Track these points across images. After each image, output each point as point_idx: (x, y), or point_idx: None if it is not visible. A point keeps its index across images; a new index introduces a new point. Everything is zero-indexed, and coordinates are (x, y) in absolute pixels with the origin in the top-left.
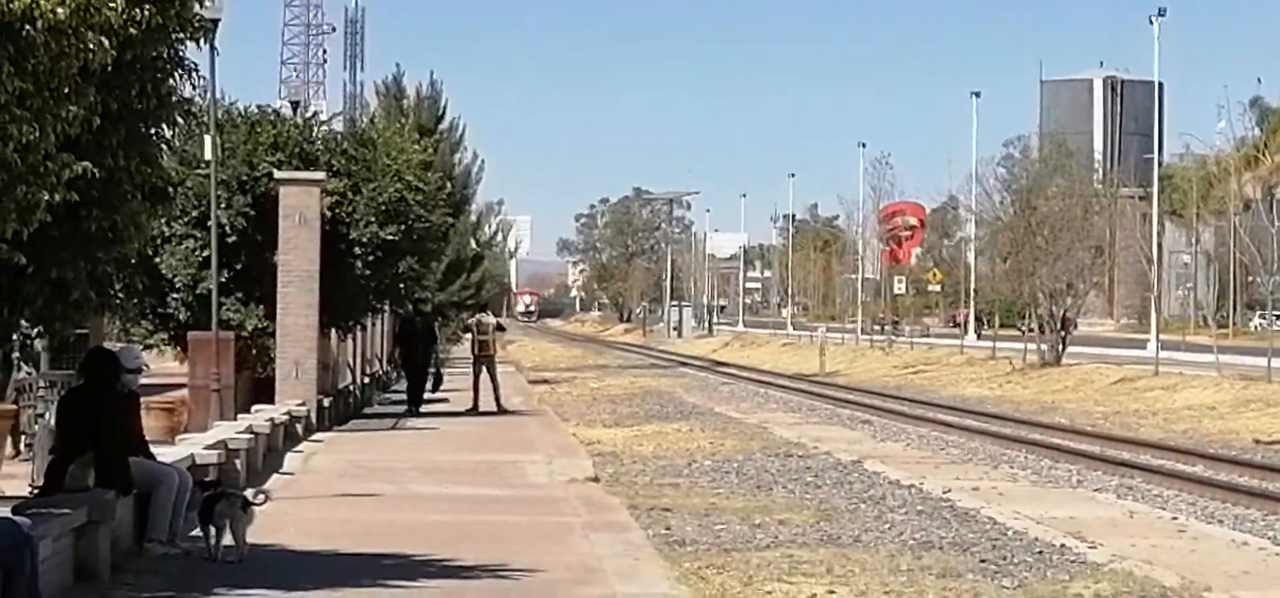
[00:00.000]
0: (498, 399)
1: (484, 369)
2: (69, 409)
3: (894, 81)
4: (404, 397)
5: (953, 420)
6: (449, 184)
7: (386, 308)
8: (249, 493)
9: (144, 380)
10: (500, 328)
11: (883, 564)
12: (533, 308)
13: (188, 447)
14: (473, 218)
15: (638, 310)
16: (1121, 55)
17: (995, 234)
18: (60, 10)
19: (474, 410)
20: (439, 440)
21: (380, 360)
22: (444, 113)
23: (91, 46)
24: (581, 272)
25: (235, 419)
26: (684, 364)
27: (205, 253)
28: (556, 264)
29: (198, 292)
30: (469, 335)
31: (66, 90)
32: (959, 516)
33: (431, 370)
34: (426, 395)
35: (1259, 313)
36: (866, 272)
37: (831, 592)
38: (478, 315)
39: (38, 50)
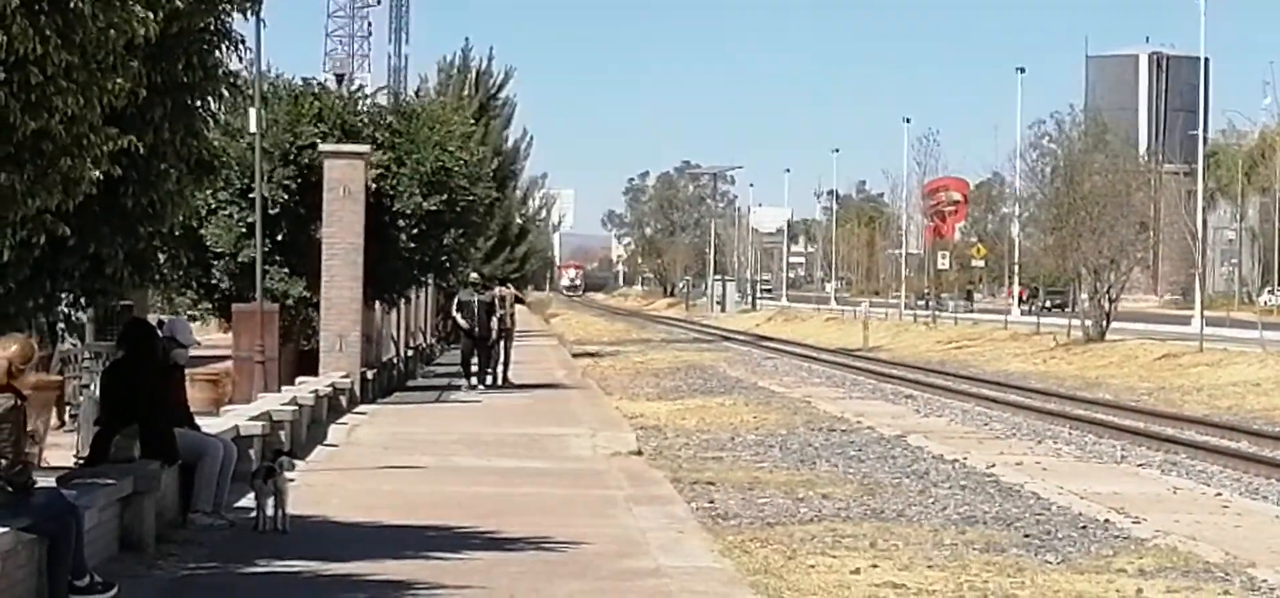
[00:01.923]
0: (504, 373)
1: (499, 342)
2: (111, 381)
3: (939, 56)
4: (448, 369)
5: (996, 396)
6: (498, 159)
7: (431, 281)
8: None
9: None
10: (518, 300)
11: (926, 539)
12: (578, 282)
13: (232, 418)
14: (519, 194)
15: (681, 285)
16: (1167, 31)
17: (1038, 209)
18: None
19: (494, 384)
20: (482, 413)
21: (424, 333)
22: (499, 89)
23: (138, 18)
24: (625, 246)
25: (279, 391)
26: (727, 339)
27: (247, 223)
28: (600, 238)
29: (240, 260)
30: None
31: (112, 63)
32: (1003, 491)
33: (491, 344)
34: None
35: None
36: (910, 247)
37: (875, 566)
38: (496, 289)
39: (85, 22)
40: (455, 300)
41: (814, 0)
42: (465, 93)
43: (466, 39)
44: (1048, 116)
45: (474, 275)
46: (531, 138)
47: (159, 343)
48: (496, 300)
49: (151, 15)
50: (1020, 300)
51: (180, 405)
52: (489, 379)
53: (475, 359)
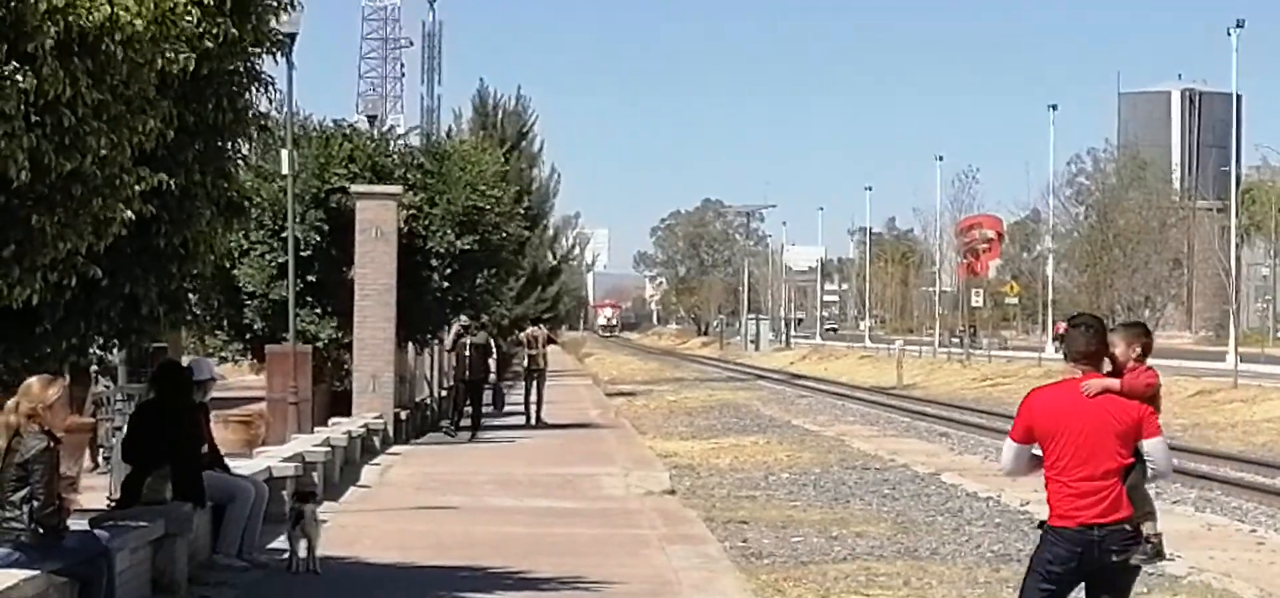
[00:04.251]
0: (538, 413)
1: (533, 382)
2: (139, 422)
3: (971, 94)
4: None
5: None
6: (527, 198)
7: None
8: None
9: (219, 392)
10: (551, 341)
11: (960, 577)
12: (614, 321)
13: (265, 459)
14: (550, 232)
15: (715, 324)
16: (1199, 67)
17: (1072, 247)
18: (138, 22)
19: (528, 424)
20: (515, 453)
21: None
22: (530, 129)
23: (169, 57)
24: (658, 285)
25: (313, 432)
26: (761, 377)
27: (279, 263)
28: (634, 277)
29: (272, 300)
30: (520, 349)
31: (143, 103)
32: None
33: (487, 388)
34: (484, 418)
35: None
36: (944, 284)
37: None
38: (529, 329)
39: (116, 63)
40: (450, 339)
41: (844, 39)
42: (485, 131)
43: (481, 79)
44: (1084, 152)
45: (463, 316)
46: (559, 176)
47: (192, 385)
48: (528, 340)
49: (182, 54)
50: (1056, 337)
51: (210, 448)
52: (476, 429)
53: (474, 404)
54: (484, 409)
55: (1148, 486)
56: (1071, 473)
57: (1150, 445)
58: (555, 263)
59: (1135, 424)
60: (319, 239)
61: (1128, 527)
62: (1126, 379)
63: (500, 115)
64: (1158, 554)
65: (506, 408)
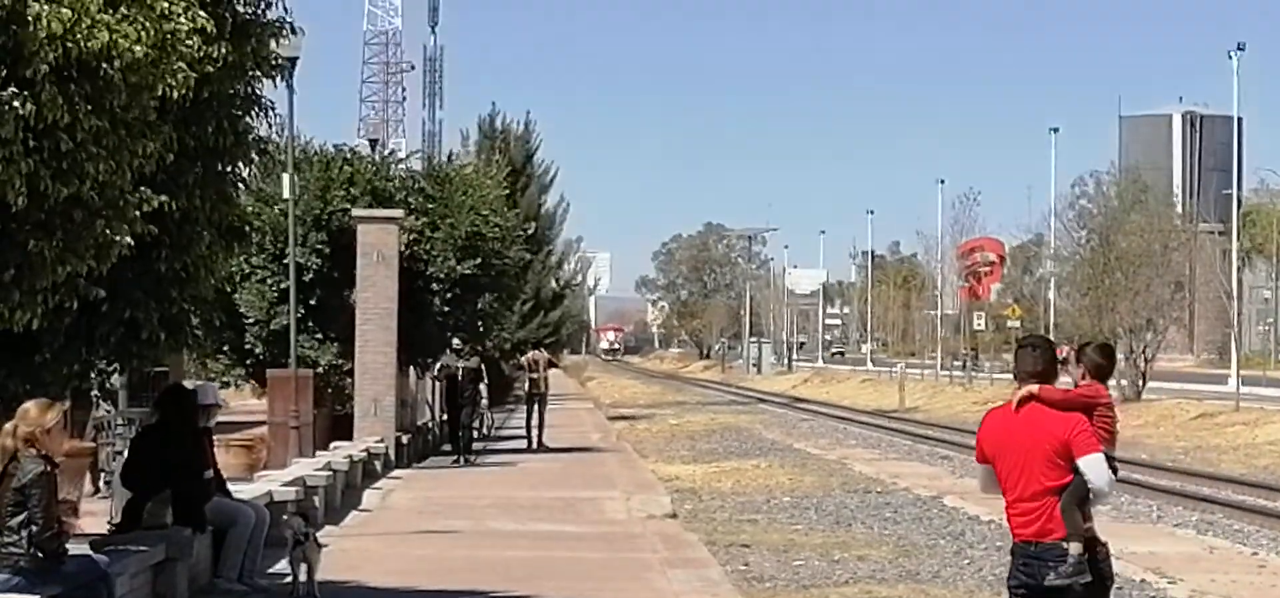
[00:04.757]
0: (540, 437)
1: (534, 406)
2: (142, 445)
3: (973, 118)
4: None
5: None
6: (534, 224)
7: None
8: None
9: (221, 417)
10: (552, 365)
11: None
12: (618, 345)
13: (266, 484)
14: (554, 258)
15: (717, 347)
16: (1200, 90)
17: (1074, 269)
18: (138, 48)
19: (530, 448)
20: (517, 477)
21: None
22: (536, 152)
23: (169, 82)
24: (660, 309)
25: (314, 456)
26: (763, 401)
27: (280, 288)
28: (636, 300)
29: (272, 327)
30: (522, 373)
31: (143, 127)
32: None
33: (480, 413)
34: (478, 444)
35: None
36: (945, 308)
37: None
38: (530, 353)
39: (116, 88)
40: (438, 366)
41: (846, 64)
42: (495, 156)
43: (493, 103)
44: (1087, 175)
45: (455, 340)
46: (568, 204)
47: (197, 409)
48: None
49: (182, 78)
50: (1061, 360)
51: (214, 473)
52: (468, 454)
53: (466, 430)
54: (481, 434)
55: (1093, 506)
56: (1010, 493)
57: (1084, 463)
58: (559, 289)
59: (1064, 443)
60: (320, 263)
61: (1064, 545)
62: (1047, 390)
63: (507, 139)
64: (1077, 573)
65: (507, 432)
